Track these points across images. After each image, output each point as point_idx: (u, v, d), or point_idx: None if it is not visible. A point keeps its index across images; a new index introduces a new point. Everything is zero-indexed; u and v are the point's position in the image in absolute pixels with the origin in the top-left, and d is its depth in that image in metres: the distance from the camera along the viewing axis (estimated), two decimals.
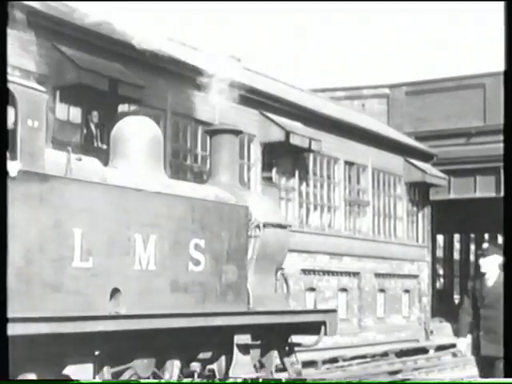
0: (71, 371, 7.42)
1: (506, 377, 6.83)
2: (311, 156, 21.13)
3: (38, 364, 7.26)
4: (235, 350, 9.76)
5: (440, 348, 20.66)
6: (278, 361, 10.67)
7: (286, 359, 10.70)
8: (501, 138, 25.30)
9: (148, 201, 8.69)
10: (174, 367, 9.08)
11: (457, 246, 35.38)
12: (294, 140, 19.23)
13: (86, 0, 11.42)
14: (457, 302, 32.70)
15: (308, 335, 10.83)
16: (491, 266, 8.90)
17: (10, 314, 5.95)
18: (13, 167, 7.08)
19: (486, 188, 25.52)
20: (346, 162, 22.76)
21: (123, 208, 8.34)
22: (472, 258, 34.78)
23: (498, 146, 24.54)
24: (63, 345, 7.32)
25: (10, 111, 7.08)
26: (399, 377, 14.76)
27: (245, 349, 9.89)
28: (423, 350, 18.11)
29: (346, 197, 22.85)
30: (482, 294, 8.98)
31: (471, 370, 16.53)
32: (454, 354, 19.25)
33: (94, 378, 7.66)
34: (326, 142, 20.61)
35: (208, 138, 11.47)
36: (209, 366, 9.70)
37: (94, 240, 7.94)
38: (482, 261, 9.04)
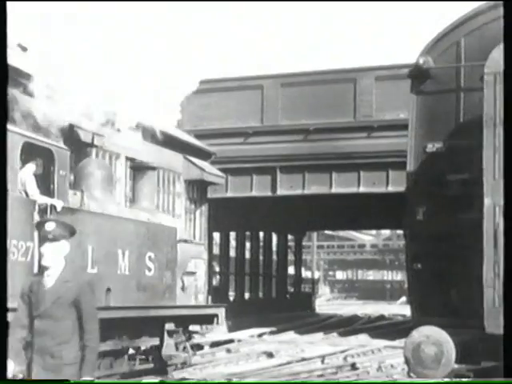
0: None
1: (505, 377, 6.87)
2: (93, 151, 20.78)
3: None
4: (165, 334, 13.41)
5: (215, 344, 20.94)
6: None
7: (187, 343, 14.17)
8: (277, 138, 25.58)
9: (124, 225, 12.36)
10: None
11: (233, 243, 36.05)
12: (79, 135, 18.84)
13: (84, 0, 11.34)
14: (232, 298, 33.29)
15: (205, 324, 14.79)
16: (56, 257, 5.89)
17: None
18: (58, 204, 10.35)
19: (262, 187, 26.11)
20: (128, 158, 22.57)
21: (112, 231, 11.87)
22: (248, 255, 35.55)
23: (274, 146, 25.18)
24: None
25: (34, 162, 10.42)
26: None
27: (170, 333, 13.55)
28: (198, 346, 18.29)
29: (127, 193, 22.66)
30: (38, 299, 5.87)
31: (244, 366, 16.87)
32: (229, 350, 19.56)
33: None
34: (109, 137, 20.33)
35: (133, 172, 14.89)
36: (143, 348, 13.11)
37: (98, 253, 11.33)
38: (43, 249, 5.90)
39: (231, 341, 21.36)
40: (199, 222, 26.49)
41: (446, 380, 7.47)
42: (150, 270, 12.93)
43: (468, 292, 7.86)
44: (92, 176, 12.43)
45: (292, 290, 40.74)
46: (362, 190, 24.88)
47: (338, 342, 22.87)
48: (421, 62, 8.54)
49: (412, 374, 8.05)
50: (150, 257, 12.92)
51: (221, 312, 14.86)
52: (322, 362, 17.91)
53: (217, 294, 29.90)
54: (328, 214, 32.86)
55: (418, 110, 8.63)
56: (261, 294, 36.05)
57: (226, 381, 14.07)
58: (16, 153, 9.73)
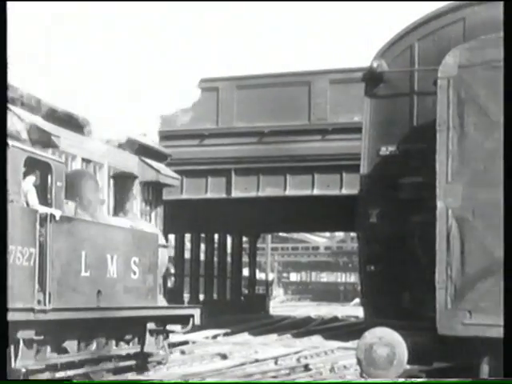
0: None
1: (505, 377, 6.86)
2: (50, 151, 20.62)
3: None
4: (147, 333, 14.44)
5: (169, 345, 20.87)
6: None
7: (164, 342, 15.20)
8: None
9: (112, 232, 13.39)
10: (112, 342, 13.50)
11: (188, 245, 35.97)
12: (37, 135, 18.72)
13: (87, 0, 11.34)
14: (186, 300, 33.23)
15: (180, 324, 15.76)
16: None
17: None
18: (57, 213, 10.95)
19: (217, 189, 26.09)
20: (84, 160, 22.42)
21: (102, 237, 12.78)
22: (202, 256, 35.50)
23: (230, 149, 25.19)
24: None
25: (34, 174, 11.02)
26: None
27: (151, 332, 14.54)
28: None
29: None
30: None
31: (198, 367, 16.84)
32: (183, 352, 19.51)
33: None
34: (64, 138, 20.18)
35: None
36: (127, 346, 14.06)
37: (90, 259, 12.13)
38: None
39: (186, 342, 21.30)
40: (154, 223, 26.39)
41: (447, 380, 7.51)
42: (134, 273, 14.23)
43: (420, 294, 7.94)
44: (82, 186, 13.37)
45: (246, 291, 40.77)
46: (316, 192, 24.99)
47: (291, 344, 22.89)
48: (374, 65, 8.62)
49: (364, 375, 8.11)
50: (134, 261, 14.23)
51: (197, 312, 16.20)
52: (276, 363, 17.92)
53: (171, 295, 29.82)
54: (282, 217, 32.91)
55: (372, 114, 8.70)
56: (215, 296, 36.02)
57: (233, 381, 14.24)
58: (20, 167, 10.39)
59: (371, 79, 8.69)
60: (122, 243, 13.58)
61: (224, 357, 18.80)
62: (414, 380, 7.50)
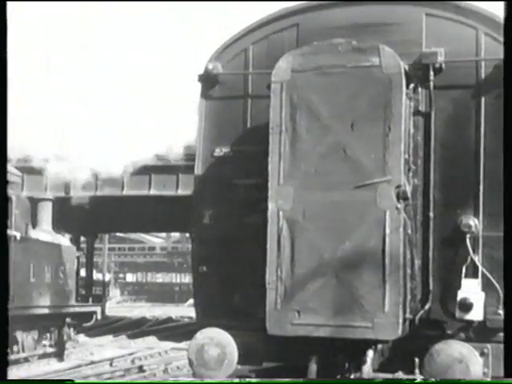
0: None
1: (505, 377, 6.72)
2: None
3: None
4: (65, 327, 19.30)
5: None
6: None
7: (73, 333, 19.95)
8: None
9: (47, 247, 18.41)
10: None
11: None
12: None
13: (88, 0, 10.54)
14: None
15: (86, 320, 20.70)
16: None
17: None
18: (17, 234, 15.62)
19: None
20: None
21: (42, 252, 17.59)
22: None
23: None
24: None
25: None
26: None
27: (68, 326, 19.37)
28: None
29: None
30: None
31: (35, 370, 16.49)
32: None
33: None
34: None
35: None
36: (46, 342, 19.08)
37: (37, 269, 16.99)
38: None
39: None
40: None
41: (447, 380, 7.54)
42: (61, 279, 18.97)
43: (252, 295, 8.03)
44: (26, 212, 17.44)
45: (84, 292, 40.09)
46: (152, 192, 24.91)
47: (126, 345, 22.85)
48: (210, 67, 8.64)
49: (196, 376, 8.12)
50: (61, 269, 18.91)
51: (98, 309, 21.48)
52: (111, 364, 17.84)
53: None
54: (120, 217, 32.67)
55: (207, 115, 8.72)
56: None
57: (230, 380, 13.84)
58: None
59: (206, 81, 8.71)
60: (53, 256, 18.51)
61: (60, 358, 18.60)
62: (415, 380, 7.55)
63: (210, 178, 8.65)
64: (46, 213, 20.54)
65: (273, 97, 7.92)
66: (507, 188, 6.98)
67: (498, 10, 7.30)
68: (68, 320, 19.53)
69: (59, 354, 19.15)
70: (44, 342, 18.92)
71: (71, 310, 19.78)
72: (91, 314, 20.98)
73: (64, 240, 21.00)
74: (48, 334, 19.00)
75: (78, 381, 6.83)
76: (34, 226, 18.95)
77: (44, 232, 19.53)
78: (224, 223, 8.47)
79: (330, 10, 8.47)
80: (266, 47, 8.55)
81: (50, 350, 18.93)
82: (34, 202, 19.72)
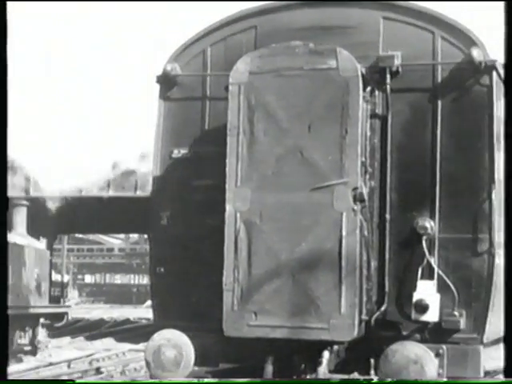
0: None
1: (506, 377, 6.66)
2: None
3: None
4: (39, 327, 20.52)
5: None
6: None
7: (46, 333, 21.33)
8: None
9: (25, 251, 19.84)
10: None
11: None
12: None
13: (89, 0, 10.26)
14: None
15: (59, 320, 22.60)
16: None
17: None
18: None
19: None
20: None
21: (20, 255, 19.16)
22: None
23: None
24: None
25: None
26: None
27: (42, 325, 20.48)
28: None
29: None
30: None
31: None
32: None
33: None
34: None
35: None
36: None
37: (13, 270, 17.56)
38: None
39: None
40: None
41: (447, 380, 7.54)
42: (37, 281, 20.14)
43: (210, 296, 8.04)
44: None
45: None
46: (111, 193, 24.83)
47: (84, 346, 22.78)
48: (168, 68, 8.63)
49: (153, 378, 8.12)
50: (36, 272, 20.14)
51: (69, 310, 23.48)
52: (69, 366, 17.77)
53: None
54: (79, 218, 32.50)
55: (165, 116, 8.71)
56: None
57: (226, 380, 13.85)
58: None
59: (165, 82, 8.70)
60: (30, 259, 19.77)
61: (20, 360, 18.49)
62: (371, 380, 7.56)
63: (168, 179, 8.64)
64: (20, 216, 22.05)
65: (230, 99, 7.93)
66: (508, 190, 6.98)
67: (498, 10, 7.29)
68: (42, 320, 20.73)
69: (33, 353, 20.36)
70: (19, 341, 19.92)
71: (44, 310, 21.02)
72: (63, 315, 22.60)
73: (38, 244, 22.67)
74: (22, 333, 19.99)
75: (78, 381, 6.82)
76: (10, 229, 19.44)
77: (20, 236, 20.67)
78: (182, 224, 8.47)
79: (288, 12, 8.50)
80: (224, 49, 8.56)
81: (26, 348, 20.17)
82: (10, 206, 20.41)
